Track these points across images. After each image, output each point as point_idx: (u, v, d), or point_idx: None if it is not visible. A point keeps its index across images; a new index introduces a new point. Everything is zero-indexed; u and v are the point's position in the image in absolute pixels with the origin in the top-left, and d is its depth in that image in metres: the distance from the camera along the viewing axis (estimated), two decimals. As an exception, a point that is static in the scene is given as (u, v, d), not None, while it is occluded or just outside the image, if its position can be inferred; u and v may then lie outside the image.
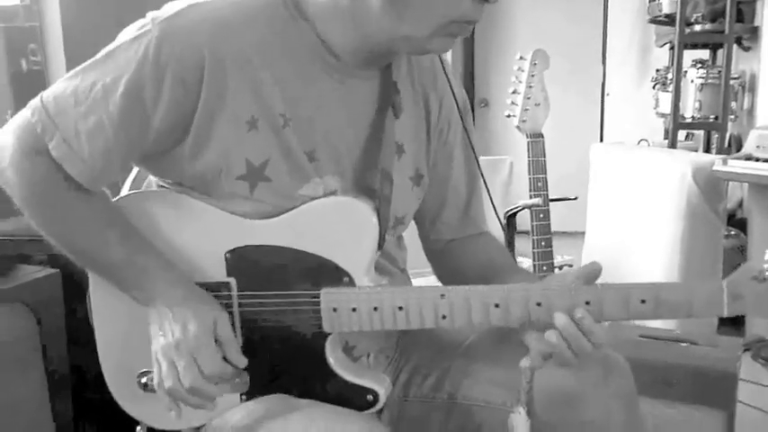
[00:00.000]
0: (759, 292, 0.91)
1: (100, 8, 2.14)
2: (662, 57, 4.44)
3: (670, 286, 0.94)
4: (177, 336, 0.95)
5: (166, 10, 0.97)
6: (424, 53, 1.09)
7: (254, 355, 1.01)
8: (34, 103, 0.98)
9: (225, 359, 0.97)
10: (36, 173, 0.98)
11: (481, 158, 3.09)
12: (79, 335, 1.43)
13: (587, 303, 0.95)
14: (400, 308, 0.98)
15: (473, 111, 5.51)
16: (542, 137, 1.61)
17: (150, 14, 0.97)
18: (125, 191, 1.11)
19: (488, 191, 1.28)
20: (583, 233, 3.89)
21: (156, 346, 0.97)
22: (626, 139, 4.45)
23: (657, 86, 4.05)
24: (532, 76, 1.59)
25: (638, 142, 3.96)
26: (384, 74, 1.07)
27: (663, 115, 4.05)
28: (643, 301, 0.94)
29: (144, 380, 1.06)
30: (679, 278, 3.08)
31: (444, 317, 0.98)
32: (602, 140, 5.26)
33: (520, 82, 1.61)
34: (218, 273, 1.03)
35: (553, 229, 4.70)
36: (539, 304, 0.96)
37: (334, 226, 1.01)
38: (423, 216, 1.23)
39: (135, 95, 0.94)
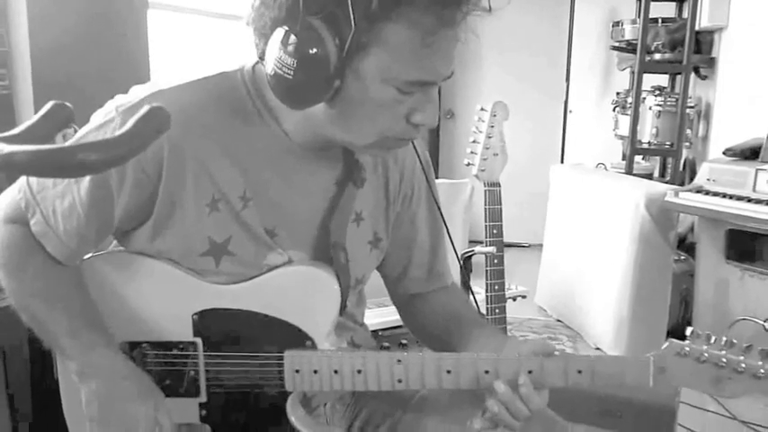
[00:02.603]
0: (681, 366, 1.01)
1: (67, 34, 2.17)
2: (623, 79, 4.57)
3: (604, 359, 1.03)
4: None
5: (131, 97, 1.02)
6: (366, 154, 1.15)
7: (218, 411, 1.08)
8: (22, 181, 1.04)
9: None
10: (13, 237, 1.04)
11: (442, 182, 3.16)
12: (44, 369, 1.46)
13: (530, 372, 1.03)
14: (359, 371, 1.05)
15: (438, 123, 5.62)
16: (499, 185, 1.68)
17: (116, 100, 1.02)
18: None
19: (452, 241, 1.35)
20: (541, 245, 4.01)
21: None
22: (587, 157, 4.58)
23: (617, 109, 4.17)
24: (492, 126, 1.67)
25: (596, 165, 4.08)
26: (346, 153, 1.13)
27: (622, 137, 4.18)
28: (580, 372, 1.03)
29: None
30: (631, 302, 3.22)
31: (400, 380, 1.05)
32: (563, 154, 5.40)
33: (480, 132, 1.68)
34: (186, 333, 1.08)
35: (514, 240, 4.79)
36: (487, 372, 1.04)
37: (298, 293, 1.08)
38: (390, 273, 1.30)
39: (102, 181, 0.99)
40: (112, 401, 1.02)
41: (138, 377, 1.05)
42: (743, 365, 0.98)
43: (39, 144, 0.44)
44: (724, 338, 1.00)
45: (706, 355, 0.99)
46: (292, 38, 0.91)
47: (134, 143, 0.46)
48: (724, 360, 0.98)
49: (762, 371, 0.98)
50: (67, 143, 0.45)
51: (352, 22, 0.88)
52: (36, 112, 1.75)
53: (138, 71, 2.55)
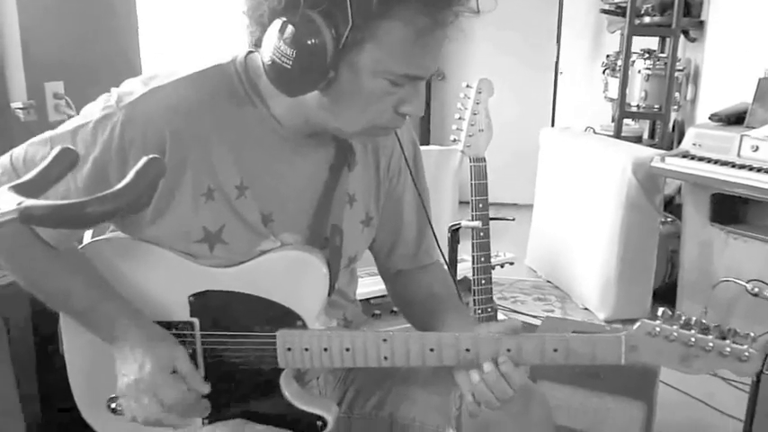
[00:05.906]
0: (652, 345, 1.06)
1: (57, 13, 2.19)
2: (613, 41, 4.57)
3: (578, 338, 1.09)
4: (135, 376, 1.06)
5: (129, 91, 1.06)
6: (352, 140, 1.19)
7: (215, 386, 1.14)
8: (3, 162, 1.07)
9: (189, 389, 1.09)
10: (6, 227, 1.08)
11: (433, 149, 3.19)
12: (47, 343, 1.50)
13: (508, 350, 1.09)
14: (347, 349, 1.11)
15: (430, 85, 5.60)
16: (485, 160, 1.72)
17: (114, 94, 1.06)
18: (88, 237, 1.20)
19: (431, 225, 1.40)
20: (532, 206, 4.05)
21: (119, 383, 1.08)
22: (577, 118, 4.61)
23: (607, 71, 4.19)
24: (477, 103, 1.70)
25: (585, 129, 4.11)
26: (337, 137, 1.17)
27: (611, 99, 4.21)
28: (555, 350, 1.09)
29: (113, 405, 1.17)
30: (617, 263, 3.29)
31: (386, 358, 1.11)
32: (554, 116, 5.42)
33: (465, 109, 1.71)
34: (183, 313, 1.14)
35: (507, 201, 4.81)
36: (467, 350, 1.10)
37: (289, 276, 1.13)
38: (380, 249, 1.36)
39: (101, 171, 1.04)
40: (132, 349, 1.07)
41: (153, 329, 1.11)
42: (710, 344, 1.03)
43: (51, 185, 0.49)
44: (693, 318, 1.05)
45: (675, 334, 1.05)
46: (291, 29, 0.96)
47: (134, 193, 0.51)
48: (693, 339, 1.04)
49: (728, 349, 1.03)
50: (76, 200, 0.49)
51: (350, 17, 0.93)
52: (28, 92, 1.77)
53: (128, 50, 2.56)
